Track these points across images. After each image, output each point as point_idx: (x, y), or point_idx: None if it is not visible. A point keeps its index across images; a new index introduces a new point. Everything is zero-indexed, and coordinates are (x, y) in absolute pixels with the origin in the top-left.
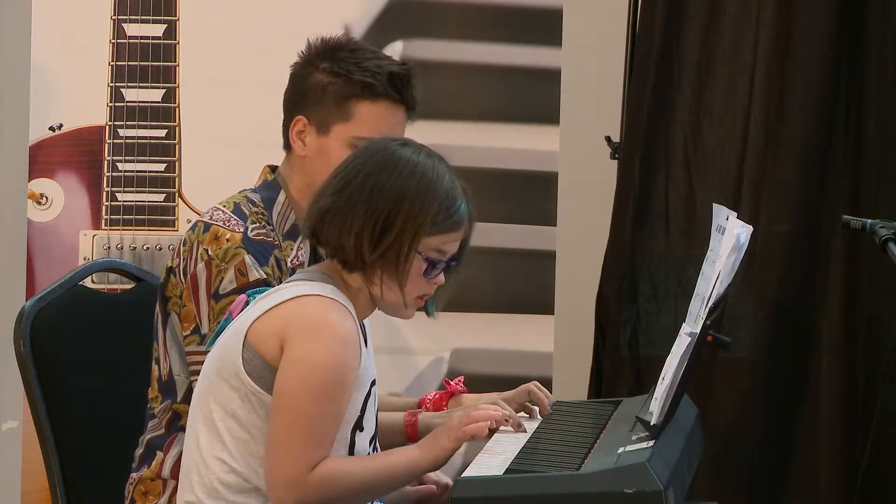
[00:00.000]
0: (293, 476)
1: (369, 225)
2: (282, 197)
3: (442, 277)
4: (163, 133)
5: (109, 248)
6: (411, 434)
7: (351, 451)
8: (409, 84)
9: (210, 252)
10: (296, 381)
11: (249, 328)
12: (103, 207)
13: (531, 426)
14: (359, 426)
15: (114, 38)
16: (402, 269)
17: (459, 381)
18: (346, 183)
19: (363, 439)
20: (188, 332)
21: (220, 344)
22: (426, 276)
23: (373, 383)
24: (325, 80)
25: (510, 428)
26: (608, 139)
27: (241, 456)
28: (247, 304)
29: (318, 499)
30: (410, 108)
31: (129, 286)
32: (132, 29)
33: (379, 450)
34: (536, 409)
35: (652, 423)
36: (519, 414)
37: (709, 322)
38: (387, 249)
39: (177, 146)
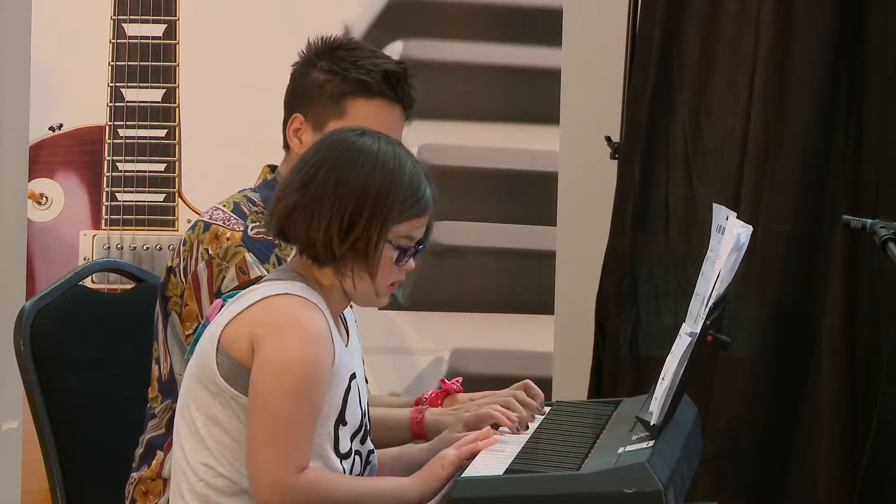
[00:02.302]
0: (277, 476)
1: (336, 218)
2: None
3: (412, 263)
4: (163, 133)
5: (109, 248)
6: (417, 431)
7: (336, 446)
8: (404, 82)
9: (210, 251)
10: (269, 381)
11: (222, 332)
12: (103, 207)
13: (531, 426)
14: (341, 420)
15: (114, 38)
16: (372, 259)
17: (457, 381)
18: (311, 178)
19: (346, 434)
20: (191, 331)
21: (198, 350)
22: (398, 263)
23: (353, 377)
24: (323, 77)
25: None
26: (608, 139)
27: (227, 460)
28: (223, 307)
29: (301, 502)
30: (407, 107)
31: (129, 286)
32: (132, 29)
33: (371, 443)
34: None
35: (652, 423)
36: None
37: (709, 322)
38: (356, 241)
39: (177, 146)
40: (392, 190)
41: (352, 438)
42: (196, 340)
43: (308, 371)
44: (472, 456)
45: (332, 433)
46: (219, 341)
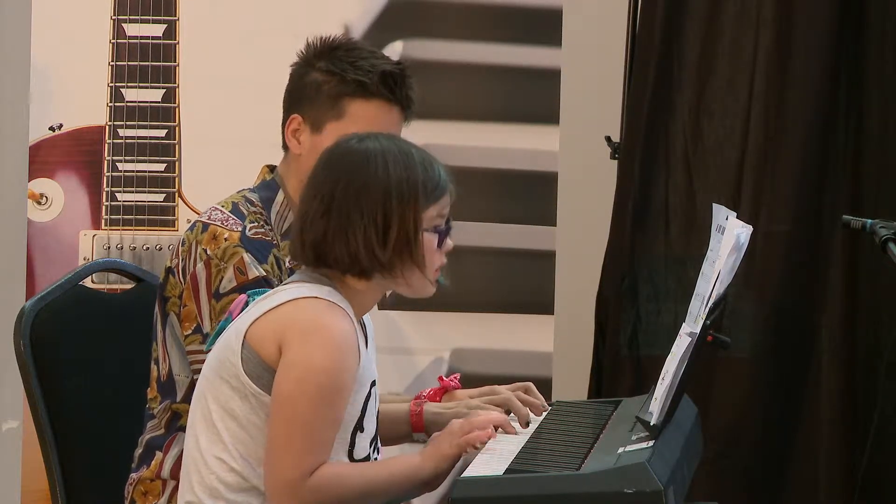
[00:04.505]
0: (291, 480)
1: (371, 227)
2: (280, 197)
3: (450, 242)
4: (163, 133)
5: (109, 248)
6: (416, 423)
7: (351, 452)
8: (402, 83)
9: (209, 252)
10: (293, 385)
11: (248, 330)
12: (103, 207)
13: (531, 426)
14: (359, 427)
15: (114, 38)
16: (416, 252)
17: (454, 377)
18: (331, 200)
19: (364, 440)
20: (189, 331)
21: (220, 344)
22: (440, 246)
23: (373, 384)
24: (321, 78)
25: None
26: (608, 139)
27: (241, 455)
28: (247, 304)
29: (315, 503)
30: (405, 108)
31: (129, 286)
32: (132, 29)
33: (380, 450)
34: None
35: (652, 423)
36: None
37: (709, 322)
38: (397, 241)
39: (177, 146)
40: (411, 180)
41: (370, 444)
42: (217, 334)
43: (333, 380)
44: (481, 439)
45: (349, 439)
46: (245, 338)
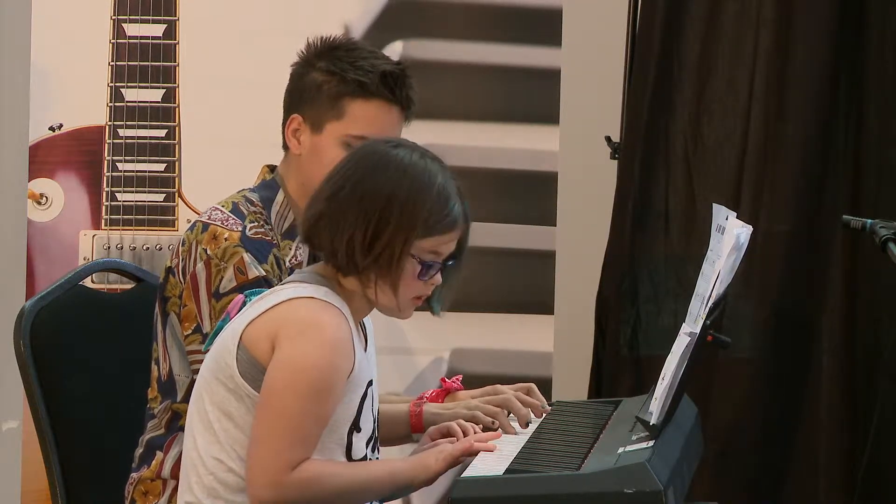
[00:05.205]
0: (272, 474)
1: (360, 230)
2: (280, 196)
3: (438, 278)
4: (163, 133)
5: (109, 248)
6: (415, 424)
7: (348, 452)
8: (402, 83)
9: (209, 251)
10: (282, 380)
11: (244, 330)
12: (103, 207)
13: (531, 426)
14: (356, 427)
15: (114, 38)
16: (394, 272)
17: (457, 379)
18: (339, 188)
19: (360, 440)
20: (189, 331)
21: (216, 345)
22: (421, 278)
23: (370, 384)
24: (321, 78)
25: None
26: (608, 139)
27: (238, 456)
28: (244, 304)
29: (295, 499)
30: (405, 108)
31: (129, 286)
32: (132, 29)
33: (379, 451)
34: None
35: (652, 423)
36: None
37: (709, 322)
38: (379, 254)
39: (177, 146)
40: (417, 204)
41: (366, 445)
42: (215, 334)
43: (323, 377)
44: (467, 454)
45: (346, 439)
46: (240, 339)
